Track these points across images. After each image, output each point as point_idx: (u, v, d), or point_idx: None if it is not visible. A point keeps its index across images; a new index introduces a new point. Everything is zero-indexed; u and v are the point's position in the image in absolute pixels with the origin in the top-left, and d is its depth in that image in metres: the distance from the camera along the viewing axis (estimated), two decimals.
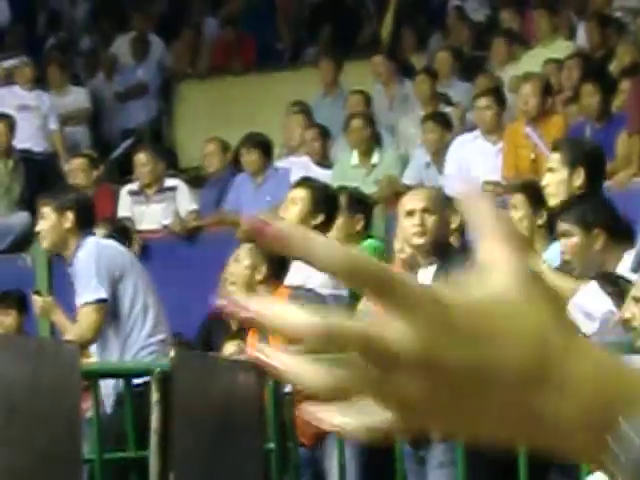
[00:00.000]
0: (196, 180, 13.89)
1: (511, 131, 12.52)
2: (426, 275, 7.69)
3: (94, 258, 8.97)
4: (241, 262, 8.83)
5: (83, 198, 9.63)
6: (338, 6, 17.57)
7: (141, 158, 13.28)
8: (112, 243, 9.40)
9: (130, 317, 8.90)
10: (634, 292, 6.05)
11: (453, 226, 8.54)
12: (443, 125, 12.92)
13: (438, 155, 12.37)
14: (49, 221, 9.41)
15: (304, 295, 8.35)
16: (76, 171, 12.77)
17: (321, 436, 7.70)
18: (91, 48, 18.99)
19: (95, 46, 19.01)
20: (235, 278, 8.91)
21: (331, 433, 7.49)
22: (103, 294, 8.90)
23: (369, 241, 9.08)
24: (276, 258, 8.48)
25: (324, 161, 12.33)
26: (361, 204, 8.96)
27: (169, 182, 13.17)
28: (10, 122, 14.33)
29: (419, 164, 12.73)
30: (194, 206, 13.05)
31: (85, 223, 9.08)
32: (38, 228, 9.99)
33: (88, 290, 9.05)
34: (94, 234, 9.30)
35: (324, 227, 8.54)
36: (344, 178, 11.61)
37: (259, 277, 8.56)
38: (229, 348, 9.39)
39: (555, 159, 6.56)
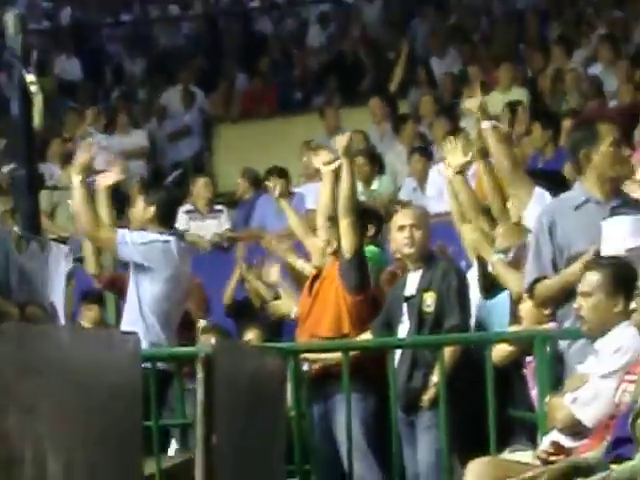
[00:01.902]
0: (230, 202, 13.83)
1: None
2: (414, 278, 7.76)
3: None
4: None
5: (167, 198, 9.36)
6: (342, 62, 17.69)
7: (202, 183, 13.24)
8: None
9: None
10: (580, 287, 6.00)
11: None
12: (426, 157, 12.91)
13: (422, 181, 12.36)
14: (136, 211, 9.21)
15: None
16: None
17: (330, 395, 7.70)
18: (147, 98, 19.01)
19: (150, 96, 19.03)
20: None
21: (338, 394, 7.54)
22: None
23: (370, 247, 9.01)
24: None
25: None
26: (374, 216, 8.91)
27: (216, 205, 13.24)
28: None
29: (408, 188, 12.76)
30: (228, 224, 12.98)
31: (164, 219, 8.81)
32: (130, 215, 9.78)
33: None
34: (174, 231, 9.02)
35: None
36: None
37: None
38: (249, 335, 9.34)
39: None
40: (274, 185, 9.03)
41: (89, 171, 8.72)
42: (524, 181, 7.57)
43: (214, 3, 22.70)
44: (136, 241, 8.63)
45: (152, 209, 8.73)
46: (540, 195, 7.34)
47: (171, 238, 8.82)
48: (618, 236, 6.35)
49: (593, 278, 5.85)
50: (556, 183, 7.69)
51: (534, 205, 7.24)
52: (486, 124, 7.83)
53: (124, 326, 8.57)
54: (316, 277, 8.28)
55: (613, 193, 7.01)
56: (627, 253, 6.14)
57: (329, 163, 8.65)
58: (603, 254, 6.29)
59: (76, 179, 8.34)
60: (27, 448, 2.25)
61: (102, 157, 15.26)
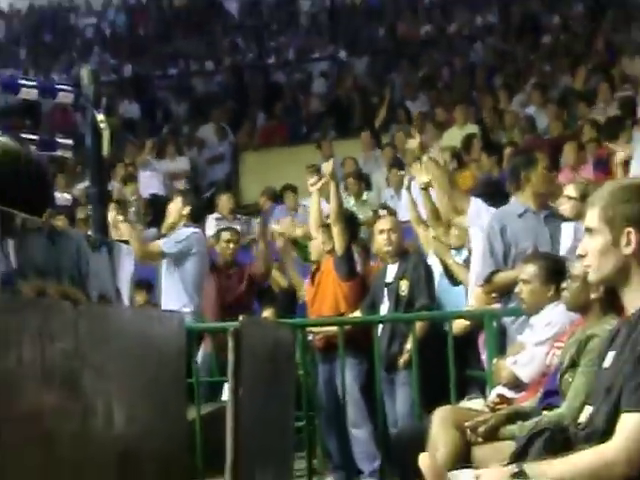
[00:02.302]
0: (253, 212, 13.81)
1: None
2: (392, 269, 7.81)
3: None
4: None
5: (198, 203, 9.53)
6: (338, 105, 17.75)
7: (225, 197, 13.23)
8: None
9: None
10: (520, 276, 6.00)
11: None
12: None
13: (397, 191, 12.39)
14: (174, 207, 9.19)
15: None
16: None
17: (332, 360, 7.71)
18: (189, 132, 19.03)
19: (191, 131, 19.06)
20: None
21: (338, 359, 7.53)
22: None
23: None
24: None
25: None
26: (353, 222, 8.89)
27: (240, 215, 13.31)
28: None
29: (387, 196, 12.83)
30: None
31: (194, 218, 8.93)
32: (167, 210, 9.67)
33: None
34: (197, 228, 9.10)
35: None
36: None
37: None
38: (266, 313, 9.31)
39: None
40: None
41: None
42: (461, 194, 7.73)
43: (240, 59, 22.70)
44: (176, 239, 8.80)
45: (188, 208, 8.90)
46: (475, 201, 7.45)
47: (198, 230, 9.11)
48: (568, 238, 6.43)
49: (531, 269, 5.85)
50: (498, 191, 7.80)
51: (472, 209, 7.35)
52: (425, 158, 8.12)
53: (169, 302, 8.66)
54: (316, 270, 8.31)
55: (543, 205, 7.10)
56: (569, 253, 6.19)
57: (315, 184, 8.72)
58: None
59: (119, 218, 8.63)
60: (98, 402, 2.24)
61: (155, 179, 15.45)
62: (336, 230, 8.07)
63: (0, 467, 1.72)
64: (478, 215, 7.38)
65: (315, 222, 8.95)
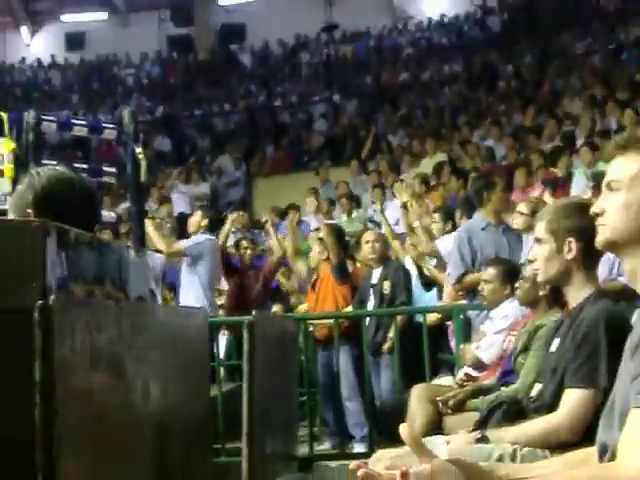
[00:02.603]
0: (262, 227, 13.79)
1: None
2: (377, 272, 7.82)
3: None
4: None
5: (214, 217, 9.71)
6: (334, 139, 17.78)
7: (236, 215, 13.21)
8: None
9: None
10: (482, 277, 6.02)
11: None
12: (383, 191, 12.99)
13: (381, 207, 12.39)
14: (194, 219, 9.13)
15: None
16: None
17: (330, 347, 7.71)
18: (210, 162, 19.10)
19: (212, 161, 19.12)
20: None
21: (334, 347, 7.53)
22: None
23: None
24: None
25: (329, 217, 12.24)
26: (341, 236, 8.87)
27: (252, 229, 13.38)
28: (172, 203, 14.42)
29: (371, 213, 12.78)
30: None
31: (211, 228, 9.08)
32: (189, 222, 9.66)
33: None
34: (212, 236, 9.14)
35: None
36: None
37: None
38: (275, 308, 9.32)
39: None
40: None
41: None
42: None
43: (253, 102, 22.73)
44: (194, 241, 8.82)
45: (206, 220, 8.94)
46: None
47: (213, 238, 9.02)
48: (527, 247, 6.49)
49: (491, 272, 5.86)
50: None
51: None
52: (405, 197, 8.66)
53: (187, 298, 8.65)
54: (316, 280, 8.37)
55: (500, 220, 7.20)
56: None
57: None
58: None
59: (151, 228, 8.62)
60: (137, 381, 2.24)
61: (182, 200, 15.46)
62: (329, 243, 8.11)
63: (62, 436, 1.72)
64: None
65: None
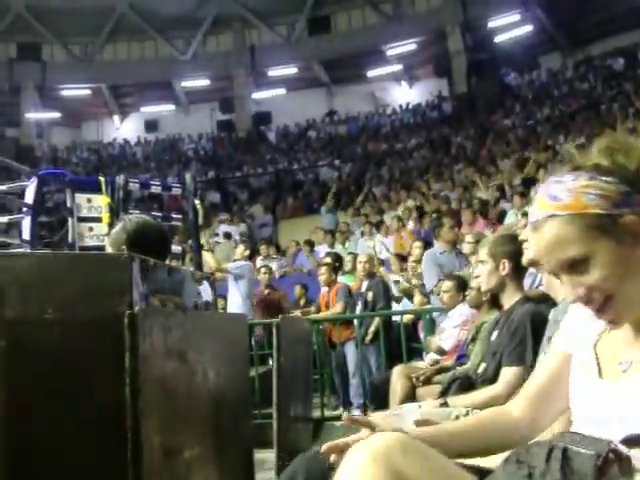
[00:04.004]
0: (285, 255, 13.77)
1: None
2: (364, 285, 7.78)
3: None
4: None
5: (252, 249, 9.80)
6: (336, 193, 17.64)
7: (264, 246, 13.23)
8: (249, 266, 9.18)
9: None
10: (442, 287, 6.00)
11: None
12: (373, 228, 12.90)
13: (368, 239, 12.28)
14: (239, 250, 9.12)
15: None
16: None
17: (343, 343, 7.64)
18: (247, 209, 19.10)
19: (248, 208, 19.14)
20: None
21: (347, 342, 7.49)
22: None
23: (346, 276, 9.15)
24: None
25: (333, 247, 12.23)
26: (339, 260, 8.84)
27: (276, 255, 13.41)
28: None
29: (362, 244, 12.70)
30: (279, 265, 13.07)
31: (249, 256, 9.15)
32: (235, 251, 9.72)
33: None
34: (249, 262, 9.14)
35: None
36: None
37: None
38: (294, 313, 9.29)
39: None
40: None
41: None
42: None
43: (278, 167, 22.78)
44: (237, 265, 8.80)
45: (248, 252, 8.94)
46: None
47: (250, 263, 9.11)
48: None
49: (449, 283, 5.84)
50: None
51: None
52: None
53: (232, 305, 8.63)
54: (329, 290, 8.29)
55: (453, 247, 7.20)
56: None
57: None
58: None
59: (207, 254, 8.54)
60: (198, 367, 2.23)
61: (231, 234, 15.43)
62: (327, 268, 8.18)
63: (144, 407, 1.72)
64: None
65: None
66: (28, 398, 1.56)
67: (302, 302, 9.76)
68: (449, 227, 7.40)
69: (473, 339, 4.56)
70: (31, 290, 1.70)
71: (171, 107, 28.10)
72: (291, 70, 26.35)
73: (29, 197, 6.59)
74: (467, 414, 3.12)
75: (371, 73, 26.00)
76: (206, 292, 3.24)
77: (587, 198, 1.40)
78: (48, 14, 25.54)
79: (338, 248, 12.14)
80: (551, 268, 1.45)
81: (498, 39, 23.68)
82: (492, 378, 3.31)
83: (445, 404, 3.29)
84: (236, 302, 8.64)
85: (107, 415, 1.74)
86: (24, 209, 6.62)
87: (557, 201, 1.43)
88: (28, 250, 6.04)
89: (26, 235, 6.52)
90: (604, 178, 1.41)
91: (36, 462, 1.63)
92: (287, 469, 1.89)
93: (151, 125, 28.35)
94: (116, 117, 28.99)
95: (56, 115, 27.76)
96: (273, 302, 9.46)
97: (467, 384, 3.66)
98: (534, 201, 1.51)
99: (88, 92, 27.40)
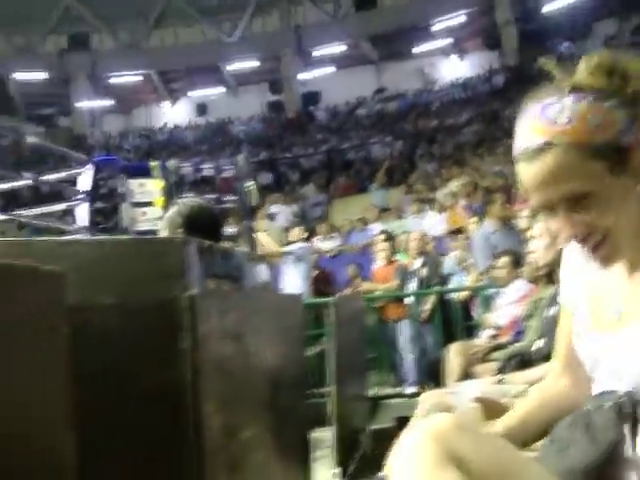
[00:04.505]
0: (339, 233, 13.71)
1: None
2: (418, 262, 7.71)
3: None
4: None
5: (309, 229, 9.78)
6: (387, 170, 17.36)
7: (323, 226, 13.21)
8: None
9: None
10: (498, 263, 5.95)
11: None
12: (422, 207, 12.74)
13: (419, 216, 11.95)
14: (295, 232, 9.05)
15: None
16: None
17: (396, 320, 7.61)
18: (298, 190, 19.08)
19: (300, 188, 19.13)
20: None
21: (401, 320, 7.47)
22: None
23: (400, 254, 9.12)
24: None
25: (385, 225, 12.09)
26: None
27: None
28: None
29: (412, 221, 12.46)
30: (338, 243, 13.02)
31: (307, 237, 9.11)
32: (290, 233, 9.63)
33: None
34: (307, 243, 9.13)
35: None
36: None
37: None
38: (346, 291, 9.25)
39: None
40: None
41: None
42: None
43: (328, 146, 22.71)
44: (294, 247, 8.75)
45: (306, 233, 8.93)
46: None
47: (308, 245, 8.98)
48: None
49: (504, 260, 5.79)
50: None
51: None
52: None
53: (290, 285, 8.57)
54: (389, 266, 8.25)
55: (505, 225, 7.11)
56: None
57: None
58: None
59: (264, 237, 8.50)
60: (256, 347, 2.25)
61: (282, 217, 15.38)
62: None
63: (203, 387, 1.75)
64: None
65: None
66: (91, 381, 1.60)
67: (356, 281, 9.78)
68: (500, 204, 7.30)
69: (530, 315, 4.52)
70: (90, 276, 1.74)
71: (220, 90, 28.23)
72: (339, 48, 26.21)
73: (84, 184, 6.72)
74: (525, 392, 3.10)
75: (419, 49, 25.73)
76: (261, 273, 3.26)
77: (591, 124, 1.25)
78: (96, 4, 25.90)
79: (391, 225, 12.07)
80: (543, 204, 1.31)
81: (548, 7, 23.16)
82: (550, 354, 3.28)
83: (502, 381, 3.27)
84: (294, 284, 8.65)
85: (167, 396, 1.77)
86: (79, 196, 6.76)
87: (556, 126, 1.28)
88: (85, 236, 6.16)
89: (82, 221, 6.66)
90: (608, 102, 1.26)
91: (102, 443, 1.67)
92: None
93: (201, 109, 28.56)
94: (166, 102, 29.26)
95: (107, 103, 28.18)
96: (324, 282, 9.49)
97: (525, 361, 3.63)
98: (522, 124, 1.38)
99: (138, 79, 27.73)
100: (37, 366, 1.29)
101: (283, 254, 8.89)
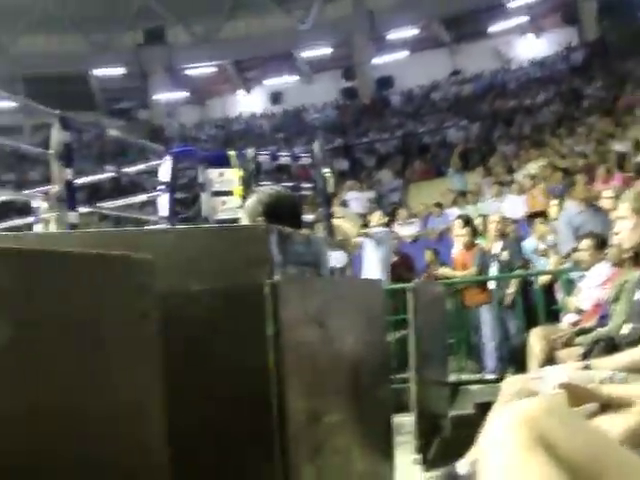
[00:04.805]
0: (418, 218, 13.60)
1: None
2: (497, 245, 7.59)
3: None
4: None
5: (387, 214, 9.73)
6: (462, 154, 17.16)
7: (401, 211, 13.15)
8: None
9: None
10: (579, 247, 5.81)
11: None
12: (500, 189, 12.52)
13: (498, 199, 11.78)
14: (375, 217, 9.02)
15: None
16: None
17: (477, 305, 7.54)
18: (374, 175, 18.99)
19: (375, 174, 19.05)
20: None
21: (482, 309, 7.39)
22: None
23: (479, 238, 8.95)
24: None
25: (463, 209, 11.97)
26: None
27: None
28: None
29: (492, 203, 12.43)
30: (416, 230, 12.97)
31: (386, 223, 9.11)
32: (370, 218, 9.61)
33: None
34: (387, 228, 9.10)
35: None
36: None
37: None
38: (423, 278, 9.19)
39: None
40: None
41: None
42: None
43: (404, 130, 22.52)
44: (376, 230, 8.71)
45: (386, 218, 8.90)
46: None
47: (387, 230, 8.88)
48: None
49: (587, 242, 5.67)
50: None
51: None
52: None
53: (370, 270, 8.45)
54: (468, 250, 8.13)
55: (590, 205, 6.91)
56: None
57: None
58: None
59: (343, 223, 8.51)
60: (339, 333, 2.27)
61: (359, 203, 15.35)
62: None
63: (287, 372, 1.77)
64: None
65: None
66: (180, 368, 1.65)
67: (433, 267, 9.71)
68: (583, 184, 7.12)
69: (616, 298, 4.41)
70: (177, 264, 1.79)
71: (294, 78, 28.36)
72: (412, 31, 25.97)
73: (164, 175, 6.86)
74: (612, 377, 3.03)
75: (494, 28, 25.25)
76: (340, 259, 3.28)
77: None
78: None
79: (469, 209, 11.92)
80: None
81: None
82: (637, 339, 3.19)
83: (588, 367, 3.20)
84: (374, 269, 8.62)
85: (252, 381, 1.80)
86: (160, 187, 6.90)
87: None
88: (167, 226, 6.30)
89: (163, 212, 6.80)
90: None
91: (188, 428, 1.71)
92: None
93: (275, 97, 28.76)
94: (241, 92, 29.57)
95: (183, 94, 28.68)
96: (404, 267, 9.45)
97: (611, 345, 3.55)
98: None
99: (212, 70, 28.14)
100: (129, 352, 1.34)
101: (363, 237, 8.87)
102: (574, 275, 6.67)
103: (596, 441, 1.20)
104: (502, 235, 7.74)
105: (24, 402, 1.08)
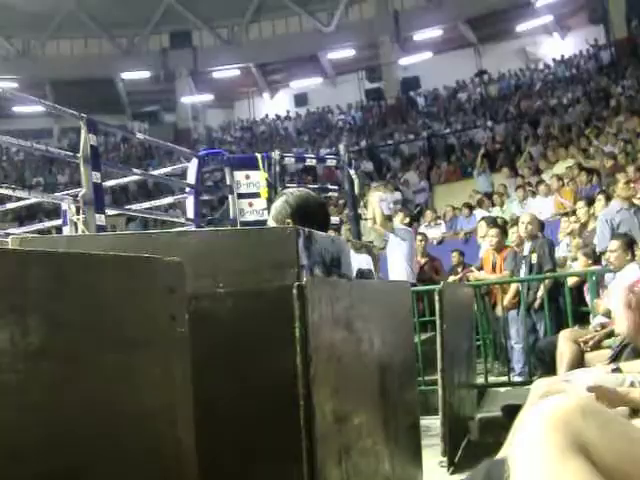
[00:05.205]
0: (443, 219, 13.56)
1: None
2: (527, 247, 7.53)
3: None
4: None
5: (410, 214, 9.68)
6: (488, 155, 17.08)
7: (428, 212, 13.09)
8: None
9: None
10: (609, 247, 5.74)
11: None
12: (526, 191, 12.41)
13: (523, 201, 11.70)
14: (399, 217, 8.99)
15: None
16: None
17: (505, 307, 7.48)
18: (400, 177, 18.92)
19: (400, 175, 18.98)
20: None
21: (510, 311, 7.33)
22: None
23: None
24: None
25: (489, 210, 11.89)
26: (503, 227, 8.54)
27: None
28: None
29: (516, 206, 12.35)
30: (443, 230, 12.96)
31: (408, 222, 9.06)
32: (394, 217, 9.67)
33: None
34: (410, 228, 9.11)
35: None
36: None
37: None
38: (450, 279, 9.12)
39: None
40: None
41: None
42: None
43: (429, 131, 22.42)
44: (399, 228, 8.63)
45: (408, 218, 8.84)
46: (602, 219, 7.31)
47: (411, 229, 8.83)
48: None
49: (616, 243, 5.61)
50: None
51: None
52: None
53: (394, 271, 8.48)
54: (499, 253, 8.08)
55: (632, 205, 6.87)
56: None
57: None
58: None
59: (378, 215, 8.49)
60: (364, 335, 2.27)
61: (384, 203, 15.34)
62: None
63: (315, 373, 1.77)
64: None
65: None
66: (208, 367, 1.66)
67: (459, 269, 9.65)
68: (624, 182, 7.03)
69: None
70: (204, 265, 1.80)
71: (319, 80, 28.38)
72: (437, 32, 25.88)
73: (190, 177, 6.91)
74: None
75: (520, 27, 25.08)
76: (367, 261, 3.27)
77: None
78: (195, 2, 26.56)
79: (495, 211, 11.84)
80: None
81: None
82: None
83: (617, 370, 3.17)
84: (398, 267, 8.56)
85: (280, 383, 1.81)
86: (187, 189, 6.95)
87: None
88: (193, 228, 6.33)
89: (190, 213, 6.85)
90: None
91: (217, 427, 1.72)
92: (472, 471, 1.90)
93: (301, 99, 28.80)
94: (266, 94, 29.66)
95: (209, 97, 28.84)
96: (432, 269, 9.41)
97: None
98: None
99: (238, 72, 28.24)
100: (159, 352, 1.35)
101: (389, 228, 8.82)
102: (608, 276, 6.60)
103: (631, 443, 1.19)
104: (531, 236, 7.67)
105: (57, 400, 1.09)
